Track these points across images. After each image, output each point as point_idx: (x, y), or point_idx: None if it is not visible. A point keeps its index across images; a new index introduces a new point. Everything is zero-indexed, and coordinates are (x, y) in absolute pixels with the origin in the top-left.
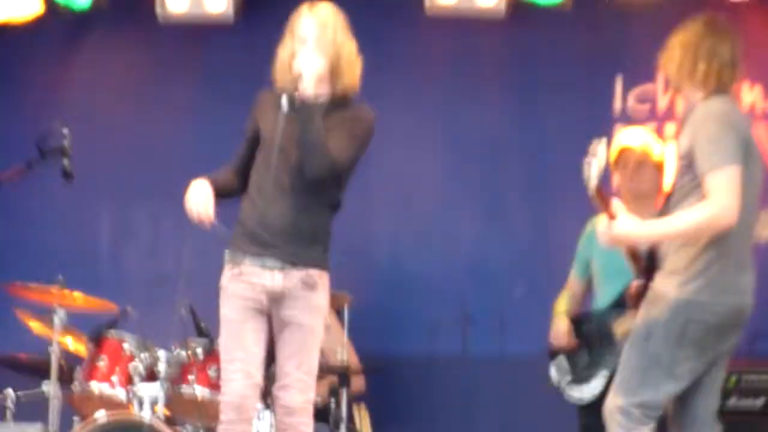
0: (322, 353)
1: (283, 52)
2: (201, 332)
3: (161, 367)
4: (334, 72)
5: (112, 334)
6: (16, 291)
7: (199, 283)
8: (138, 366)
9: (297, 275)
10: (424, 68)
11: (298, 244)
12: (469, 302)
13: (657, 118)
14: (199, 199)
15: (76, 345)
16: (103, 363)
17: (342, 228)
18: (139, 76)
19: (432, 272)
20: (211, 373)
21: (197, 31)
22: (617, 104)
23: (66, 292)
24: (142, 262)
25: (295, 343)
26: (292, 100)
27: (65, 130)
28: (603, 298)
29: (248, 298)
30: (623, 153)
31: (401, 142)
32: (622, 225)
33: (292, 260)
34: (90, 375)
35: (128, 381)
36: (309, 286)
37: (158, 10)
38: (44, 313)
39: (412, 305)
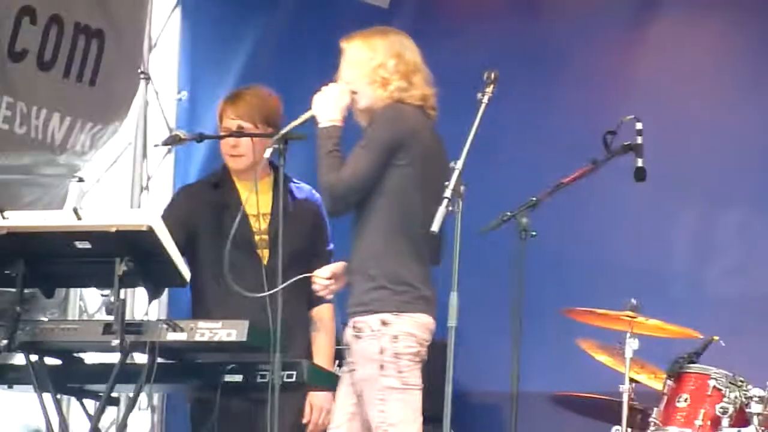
0: None
1: None
2: None
3: (754, 409)
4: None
5: (695, 368)
6: (580, 317)
7: None
8: (727, 407)
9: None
10: None
11: (350, 292)
12: None
13: None
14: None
15: (651, 381)
16: (684, 403)
17: None
18: (725, 54)
19: None
20: None
21: None
22: None
23: (640, 318)
24: (730, 282)
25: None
26: None
27: (638, 125)
28: None
29: None
30: None
31: None
32: None
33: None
34: (668, 418)
35: (714, 425)
36: (355, 336)
37: None
38: (613, 344)
39: None
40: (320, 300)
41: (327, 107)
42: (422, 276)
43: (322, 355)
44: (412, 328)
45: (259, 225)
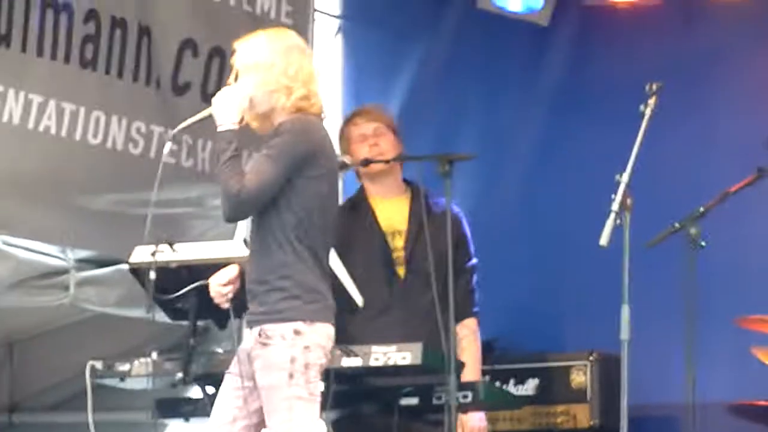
0: None
1: None
2: None
3: None
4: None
5: None
6: (754, 326)
7: None
8: None
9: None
10: None
11: (252, 300)
12: None
13: None
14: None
15: None
16: None
17: None
18: None
19: None
20: None
21: None
22: None
23: None
24: None
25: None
26: None
27: None
28: None
29: None
30: None
31: None
32: None
33: (250, 320)
34: None
35: None
36: (262, 344)
37: None
38: None
39: None
40: (465, 314)
41: (227, 109)
42: (328, 286)
43: (471, 368)
44: (323, 340)
45: (395, 242)
